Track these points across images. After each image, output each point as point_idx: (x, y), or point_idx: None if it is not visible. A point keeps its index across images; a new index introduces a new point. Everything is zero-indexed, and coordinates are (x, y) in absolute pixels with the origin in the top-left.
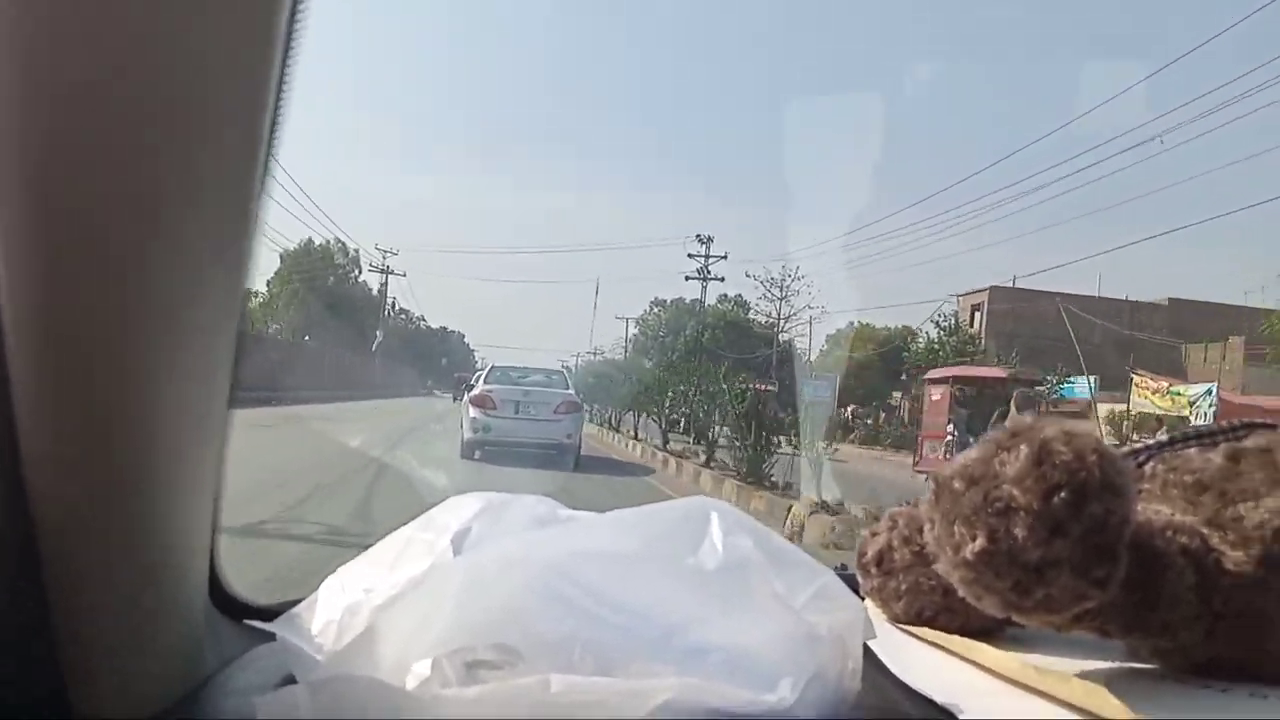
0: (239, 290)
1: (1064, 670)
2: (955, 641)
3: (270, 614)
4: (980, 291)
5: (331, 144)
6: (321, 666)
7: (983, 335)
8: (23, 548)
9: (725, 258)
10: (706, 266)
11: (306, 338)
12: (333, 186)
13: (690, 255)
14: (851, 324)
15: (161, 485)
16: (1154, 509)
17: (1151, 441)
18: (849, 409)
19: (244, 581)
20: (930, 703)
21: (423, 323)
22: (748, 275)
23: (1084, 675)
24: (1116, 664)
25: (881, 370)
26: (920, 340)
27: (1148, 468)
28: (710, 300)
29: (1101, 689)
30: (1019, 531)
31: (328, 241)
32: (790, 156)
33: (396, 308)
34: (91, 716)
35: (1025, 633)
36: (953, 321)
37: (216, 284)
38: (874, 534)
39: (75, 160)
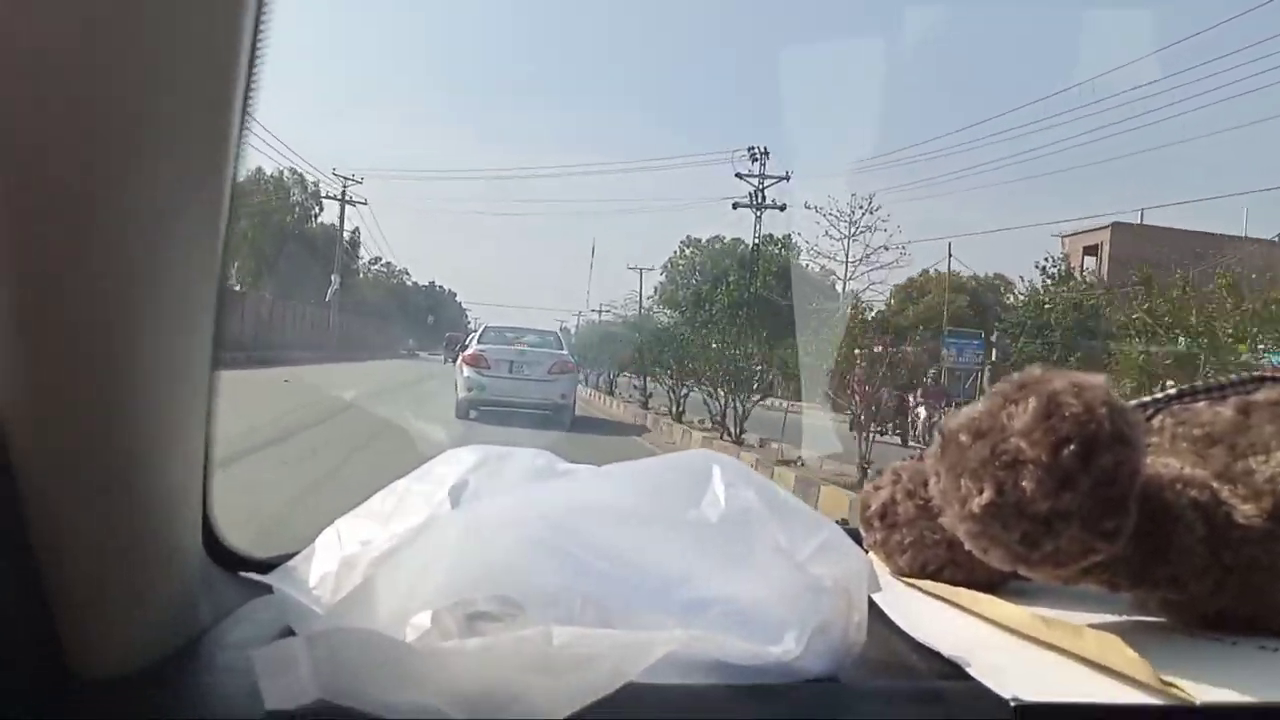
0: (217, 235)
1: (1074, 623)
2: (961, 594)
3: (267, 566)
4: (1096, 230)
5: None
6: (319, 619)
7: (1103, 282)
8: (6, 502)
9: (787, 178)
10: (761, 189)
11: (266, 293)
12: (295, 112)
13: (739, 175)
14: (926, 271)
15: (147, 436)
16: (1163, 462)
17: (1160, 395)
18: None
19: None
20: (937, 655)
21: (406, 276)
22: (807, 206)
23: (1092, 628)
24: (1124, 617)
25: (975, 327)
26: (1019, 291)
27: (1156, 421)
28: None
29: (1116, 640)
30: (1027, 484)
31: (282, 171)
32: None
33: (375, 259)
34: (85, 671)
35: (1030, 586)
36: (1061, 268)
37: (191, 229)
38: (877, 488)
39: (31, 119)
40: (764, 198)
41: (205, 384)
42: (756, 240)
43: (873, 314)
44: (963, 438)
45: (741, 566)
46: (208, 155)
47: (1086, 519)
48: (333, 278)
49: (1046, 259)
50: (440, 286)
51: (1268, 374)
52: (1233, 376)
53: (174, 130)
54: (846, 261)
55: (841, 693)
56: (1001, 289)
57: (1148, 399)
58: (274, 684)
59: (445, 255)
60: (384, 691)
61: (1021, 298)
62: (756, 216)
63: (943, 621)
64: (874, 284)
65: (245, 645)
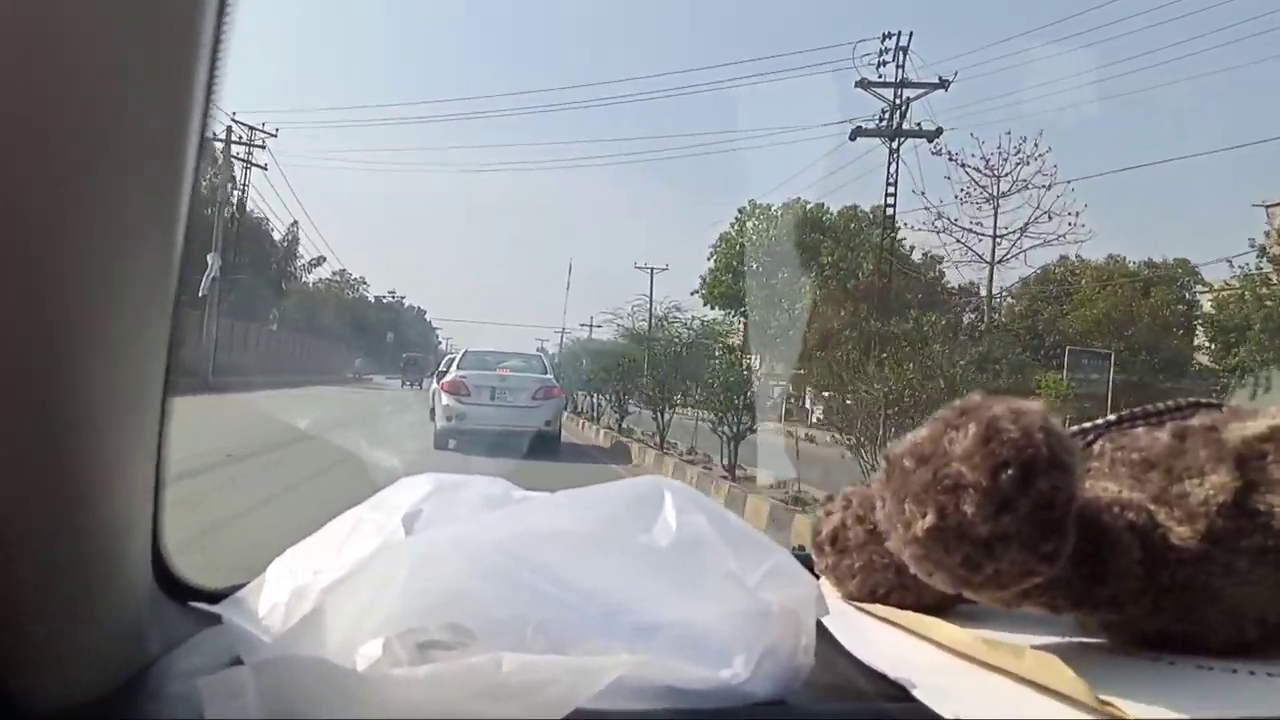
0: (172, 251)
1: (1015, 644)
2: (908, 617)
3: (217, 597)
4: None
5: None
6: (267, 647)
7: None
8: None
9: (945, 86)
10: (901, 97)
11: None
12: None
13: (865, 85)
14: (1067, 258)
15: (97, 464)
16: (1102, 486)
17: (1100, 421)
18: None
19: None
20: (883, 678)
21: (363, 288)
22: (936, 152)
23: (1033, 649)
24: (1066, 639)
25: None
26: (1211, 289)
27: (1096, 446)
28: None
29: (1054, 661)
30: (968, 508)
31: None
32: None
33: (316, 259)
34: (30, 703)
35: (977, 609)
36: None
37: (148, 246)
38: (828, 513)
39: None
40: (904, 113)
41: (157, 411)
42: (891, 196)
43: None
44: (906, 463)
45: (691, 591)
46: (164, 177)
47: (1025, 541)
48: (209, 258)
49: (1269, 234)
50: (402, 299)
51: (1202, 401)
52: (1169, 403)
53: (128, 151)
54: (995, 235)
55: (788, 716)
56: (1185, 282)
57: (1088, 424)
58: (220, 712)
59: (408, 263)
60: (332, 718)
61: (1229, 288)
62: (892, 151)
63: (890, 645)
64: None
65: (194, 675)
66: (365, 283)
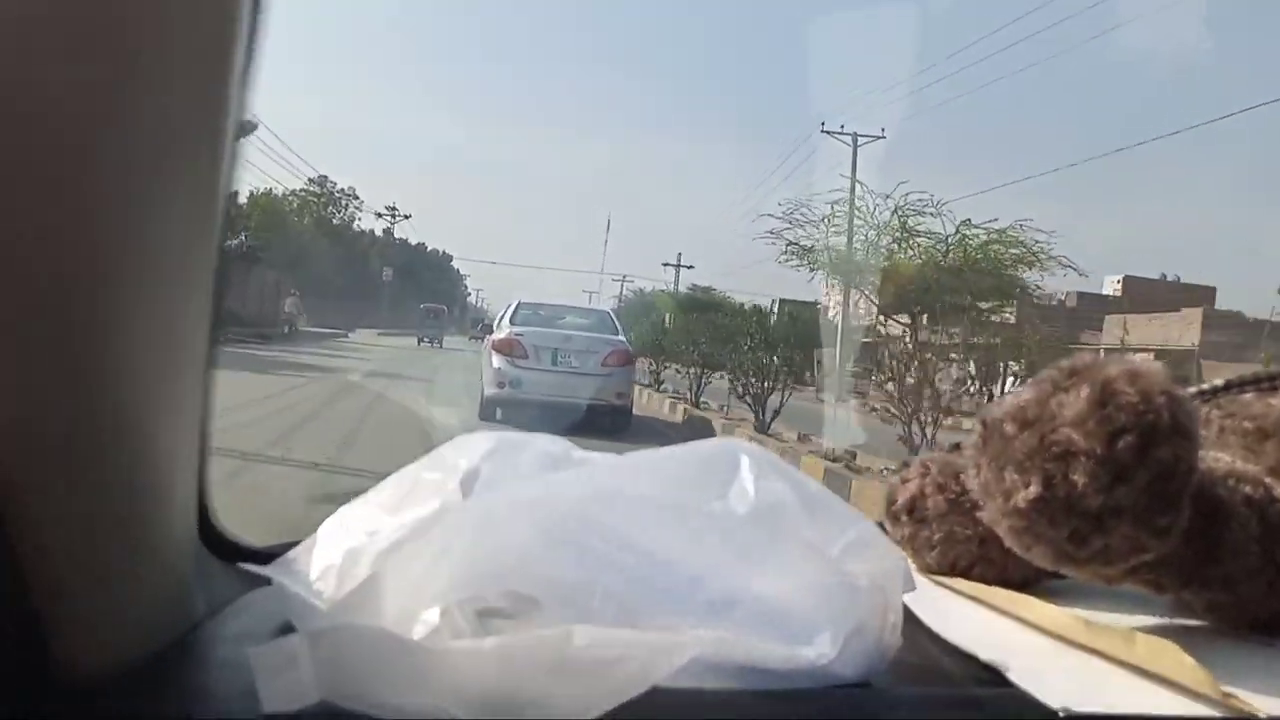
0: (214, 203)
1: (1123, 628)
2: (997, 594)
3: (266, 557)
4: None
5: None
6: (322, 614)
7: None
8: None
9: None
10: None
11: None
12: None
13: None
14: None
15: (138, 420)
16: (1214, 456)
17: (1207, 386)
18: None
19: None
20: (973, 659)
21: (355, 203)
22: None
23: (1143, 633)
24: (1166, 620)
25: None
26: None
27: (1203, 413)
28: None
29: (1170, 647)
30: (1078, 477)
31: None
32: None
33: (306, 176)
34: (72, 667)
35: (1062, 585)
36: None
37: (185, 196)
38: (905, 480)
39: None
40: None
41: (201, 367)
42: None
43: None
44: (1008, 427)
45: (770, 563)
46: (202, 135)
47: (1140, 515)
48: None
49: None
50: (405, 216)
51: None
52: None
53: (166, 114)
54: None
55: (876, 699)
56: None
57: (1193, 390)
58: (273, 684)
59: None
60: (391, 693)
61: None
62: None
63: (976, 623)
64: None
65: (241, 640)
66: (357, 197)
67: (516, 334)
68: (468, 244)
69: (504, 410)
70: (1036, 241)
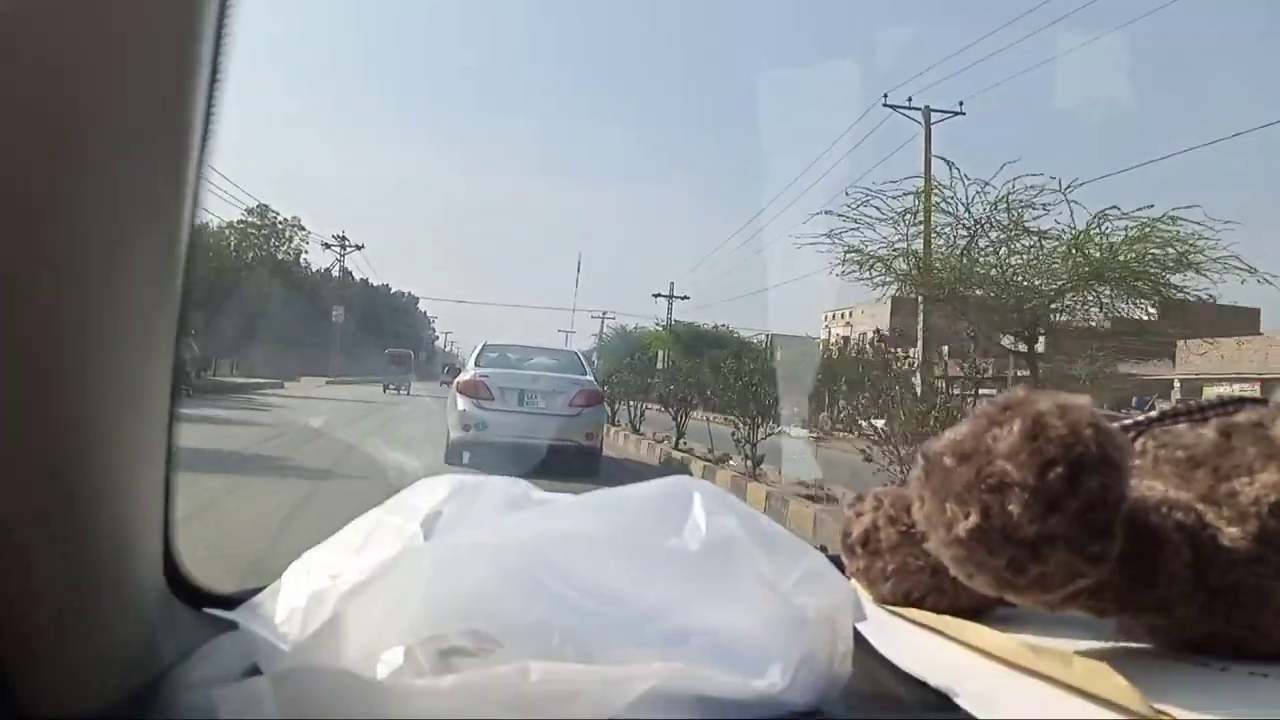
0: (176, 258)
1: (1062, 650)
2: (947, 622)
3: (232, 602)
4: None
5: None
6: (286, 656)
7: None
8: None
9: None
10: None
11: None
12: None
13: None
14: None
15: (105, 467)
16: (1147, 485)
17: (1141, 417)
18: None
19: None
20: (923, 685)
21: (301, 235)
22: None
23: (1080, 655)
24: (1109, 643)
25: None
26: None
27: (1138, 444)
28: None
29: (1104, 668)
30: (1013, 508)
31: None
32: None
33: (244, 205)
34: (39, 713)
35: (1014, 613)
36: None
37: (148, 239)
38: (859, 514)
39: None
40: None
41: (165, 413)
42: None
43: None
44: (947, 460)
45: (723, 597)
46: (166, 173)
47: (1073, 543)
48: None
49: None
50: (357, 247)
51: (1246, 397)
52: (1213, 399)
53: (129, 148)
54: None
55: None
56: None
57: (1129, 421)
58: None
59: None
60: None
61: None
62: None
63: (928, 650)
64: None
65: (209, 684)
66: (303, 228)
67: (481, 376)
68: (434, 285)
69: (470, 453)
70: (1204, 238)
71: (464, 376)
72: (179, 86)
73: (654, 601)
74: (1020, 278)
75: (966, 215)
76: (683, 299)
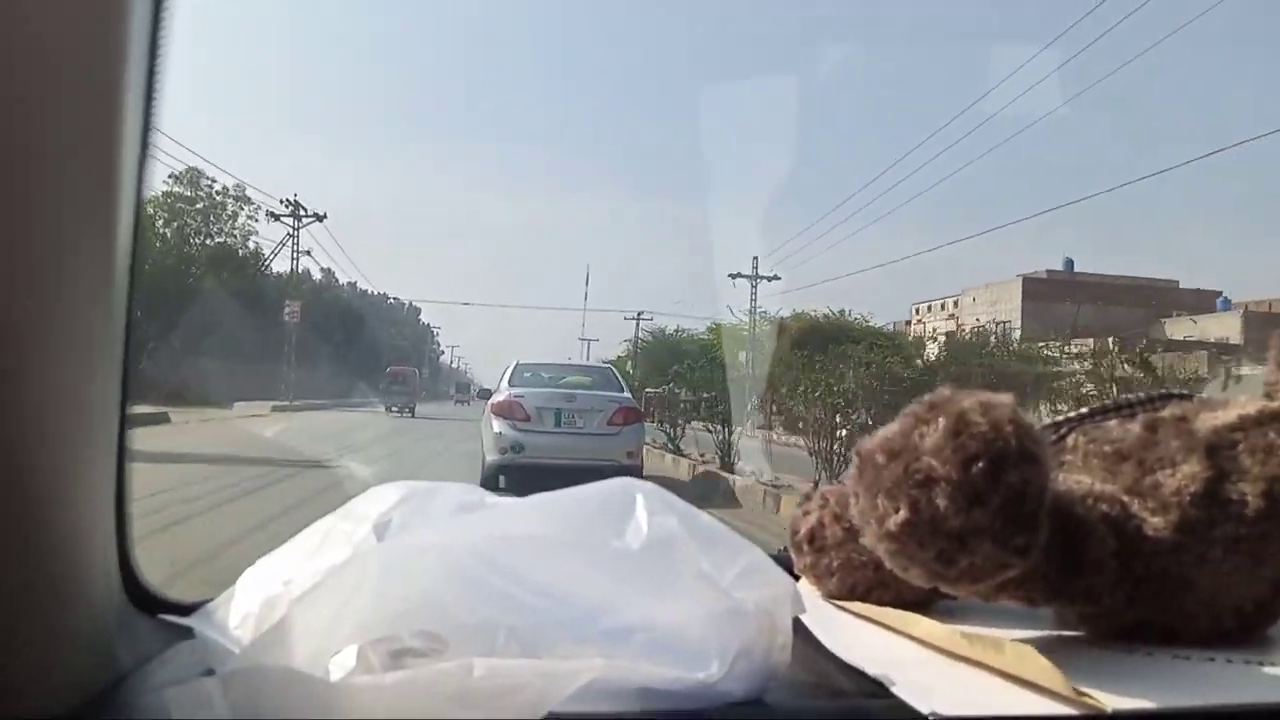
0: (114, 253)
1: (994, 638)
2: (888, 614)
3: (188, 609)
4: None
5: None
6: (236, 658)
7: None
8: None
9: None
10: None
11: None
12: None
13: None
14: None
15: (55, 473)
16: (1075, 479)
17: (1072, 414)
18: None
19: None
20: (862, 674)
21: (250, 212)
22: None
23: (1012, 642)
24: (1045, 632)
25: None
26: None
27: (1070, 440)
28: None
29: (1031, 653)
30: (940, 502)
31: None
32: None
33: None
34: None
35: (958, 605)
36: None
37: (85, 248)
38: (806, 512)
39: None
40: None
41: (115, 418)
42: None
43: None
44: (878, 458)
45: (664, 593)
46: (99, 176)
47: (998, 535)
48: None
49: None
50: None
51: (1173, 392)
52: (1141, 394)
53: (65, 148)
54: None
55: (765, 715)
56: None
57: (1060, 418)
58: None
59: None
60: None
61: None
62: None
63: (869, 642)
64: None
65: (165, 689)
66: (249, 200)
67: (517, 396)
68: (439, 292)
69: (507, 476)
70: None
71: (498, 397)
72: (114, 89)
73: (598, 599)
74: None
75: None
76: (772, 279)
